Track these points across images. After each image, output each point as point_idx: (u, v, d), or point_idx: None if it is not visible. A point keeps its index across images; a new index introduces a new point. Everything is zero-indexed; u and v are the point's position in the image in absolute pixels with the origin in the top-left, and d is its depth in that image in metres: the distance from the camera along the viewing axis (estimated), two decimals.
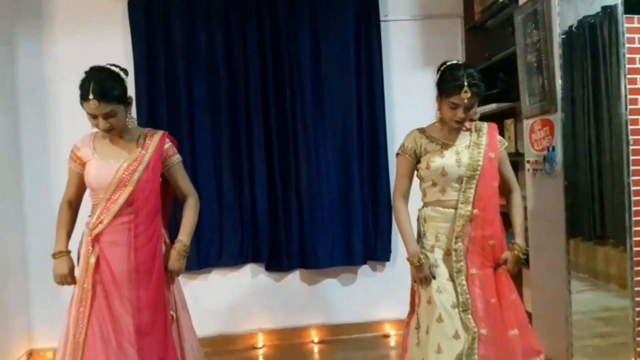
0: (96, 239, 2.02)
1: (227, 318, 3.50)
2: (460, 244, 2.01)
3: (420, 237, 2.14)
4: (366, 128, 3.56)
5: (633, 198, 2.60)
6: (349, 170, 3.53)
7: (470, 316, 1.95)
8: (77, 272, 2.15)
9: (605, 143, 2.69)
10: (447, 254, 2.04)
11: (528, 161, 2.90)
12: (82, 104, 1.97)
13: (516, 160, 3.10)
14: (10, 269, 3.27)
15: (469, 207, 2.02)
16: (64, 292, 3.43)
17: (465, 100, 1.97)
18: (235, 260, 3.54)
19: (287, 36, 3.51)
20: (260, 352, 3.45)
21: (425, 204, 2.16)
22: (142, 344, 2.00)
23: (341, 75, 3.57)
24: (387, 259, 3.58)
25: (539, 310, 2.90)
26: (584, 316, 2.70)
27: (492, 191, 2.08)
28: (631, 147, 2.59)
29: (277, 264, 3.56)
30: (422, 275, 2.03)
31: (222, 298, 3.53)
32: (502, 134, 3.38)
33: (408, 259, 2.08)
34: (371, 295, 3.60)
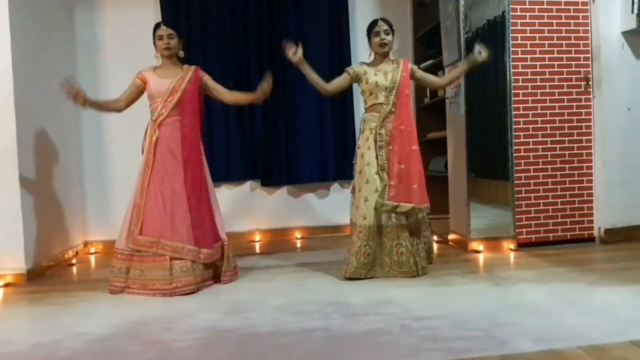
0: (159, 125, 3.12)
1: (233, 220, 4.63)
2: (383, 130, 3.17)
3: (361, 131, 3.29)
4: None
5: (513, 133, 3.80)
6: (323, 109, 4.73)
7: (385, 174, 3.14)
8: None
9: (493, 82, 3.87)
10: (375, 139, 3.20)
11: (447, 97, 4.09)
12: (154, 34, 3.16)
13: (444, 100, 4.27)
14: (71, 177, 4.34)
15: (390, 106, 3.18)
16: (112, 197, 4.64)
17: (381, 28, 3.17)
18: (238, 177, 4.76)
19: (278, 13, 4.69)
20: (257, 244, 4.65)
21: (365, 110, 3.31)
22: (188, 198, 3.07)
23: (318, 39, 4.74)
24: (352, 177, 4.77)
25: (453, 200, 4.11)
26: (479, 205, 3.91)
27: (406, 96, 3.23)
28: (512, 86, 3.78)
29: (269, 181, 4.78)
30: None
31: (229, 206, 4.71)
32: None
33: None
34: (340, 205, 4.75)
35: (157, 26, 3.21)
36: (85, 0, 4.56)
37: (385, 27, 3.21)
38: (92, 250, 4.51)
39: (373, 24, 3.24)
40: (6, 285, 3.31)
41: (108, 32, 4.57)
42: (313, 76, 3.24)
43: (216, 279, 3.20)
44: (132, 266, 3.04)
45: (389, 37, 3.22)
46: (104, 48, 4.59)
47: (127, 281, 3.04)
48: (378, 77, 3.21)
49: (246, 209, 4.78)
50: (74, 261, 4.10)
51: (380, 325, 2.30)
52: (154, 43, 3.21)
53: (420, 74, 3.37)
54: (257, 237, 4.74)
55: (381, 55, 3.27)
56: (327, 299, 2.75)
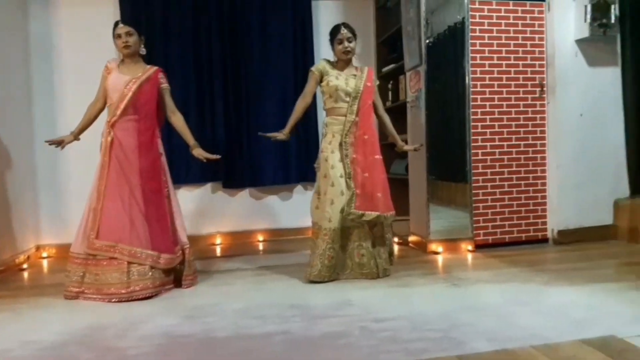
0: (112, 126, 3.04)
1: (194, 223, 4.58)
2: (348, 139, 3.17)
3: (324, 135, 3.28)
4: (299, 80, 4.72)
5: (471, 137, 3.89)
6: (286, 111, 4.65)
7: (351, 181, 3.14)
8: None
9: (453, 87, 3.95)
10: (340, 144, 3.19)
11: (408, 101, 4.15)
12: (114, 33, 3.08)
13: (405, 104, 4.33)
14: (22, 179, 4.17)
15: (354, 116, 3.19)
16: (67, 200, 4.50)
17: (344, 35, 3.17)
18: (199, 179, 4.69)
19: (242, 16, 4.65)
20: (219, 247, 4.59)
21: (326, 112, 3.29)
22: (146, 203, 3.00)
23: (282, 43, 4.73)
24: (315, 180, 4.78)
25: (413, 202, 4.17)
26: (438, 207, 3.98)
27: (369, 107, 3.26)
28: (471, 91, 3.87)
29: (231, 183, 4.73)
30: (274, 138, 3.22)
31: (190, 208, 4.63)
32: (397, 85, 4.65)
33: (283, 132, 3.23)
34: (303, 207, 4.69)
35: (115, 24, 3.14)
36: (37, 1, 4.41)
37: (349, 34, 3.21)
38: (45, 254, 4.35)
39: (336, 30, 3.24)
40: None
41: (64, 31, 4.42)
42: (294, 119, 3.30)
43: (177, 283, 3.14)
44: (87, 270, 2.95)
45: (352, 44, 3.23)
46: (60, 48, 4.43)
47: (82, 286, 2.95)
48: (339, 82, 3.22)
49: (207, 211, 4.71)
50: (25, 266, 3.95)
51: (340, 328, 2.31)
52: (114, 43, 3.14)
53: (376, 93, 3.36)
54: (219, 240, 4.68)
55: (344, 62, 3.28)
56: (287, 302, 2.74)
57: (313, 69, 3.32)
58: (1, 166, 3.79)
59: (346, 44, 3.20)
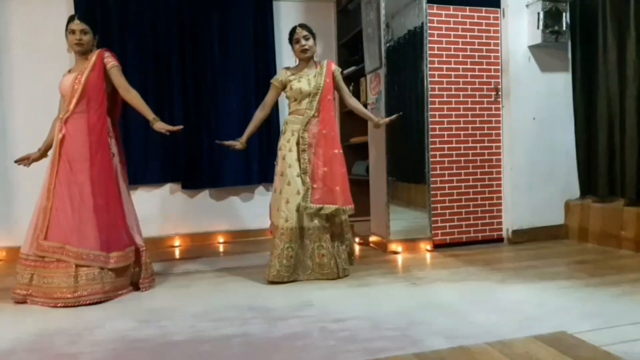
0: (64, 122, 2.93)
1: (151, 225, 4.45)
2: (306, 134, 3.18)
3: (282, 133, 3.28)
4: (261, 82, 4.69)
5: (430, 139, 3.96)
6: (247, 112, 4.64)
7: (307, 177, 3.15)
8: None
9: (412, 90, 4.01)
10: (297, 142, 3.20)
11: (368, 103, 4.18)
12: (67, 28, 2.97)
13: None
14: None
15: (313, 111, 3.21)
16: (16, 201, 4.33)
17: (300, 34, 3.21)
18: (157, 179, 4.59)
19: (201, 16, 4.59)
20: (177, 249, 4.51)
21: (289, 113, 3.31)
22: (96, 203, 2.90)
23: (243, 46, 4.70)
24: None
25: (374, 203, 4.21)
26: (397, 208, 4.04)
27: (329, 101, 3.27)
28: (429, 94, 3.94)
29: (191, 183, 4.65)
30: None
31: (147, 209, 4.51)
32: (358, 88, 4.69)
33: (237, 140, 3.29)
34: (264, 208, 4.66)
35: (70, 19, 3.01)
36: None
37: (305, 32, 3.23)
38: None
39: (292, 31, 3.28)
40: None
41: (14, 29, 4.25)
42: (251, 129, 3.35)
43: (134, 286, 3.06)
44: (36, 273, 2.84)
45: (310, 42, 3.25)
46: (9, 46, 4.25)
47: (30, 289, 2.84)
48: (302, 84, 3.23)
49: (165, 212, 4.62)
50: None
51: (299, 329, 2.30)
52: (66, 36, 3.02)
53: (340, 81, 3.39)
54: (177, 242, 4.59)
55: (304, 60, 3.30)
56: (247, 304, 2.72)
57: (273, 80, 3.34)
58: None
59: (303, 42, 3.23)
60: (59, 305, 2.75)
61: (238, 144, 3.30)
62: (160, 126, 3.06)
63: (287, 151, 3.21)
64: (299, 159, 3.18)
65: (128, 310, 2.69)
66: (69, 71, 3.09)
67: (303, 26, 3.26)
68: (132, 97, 3.06)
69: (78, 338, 2.28)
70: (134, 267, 3.06)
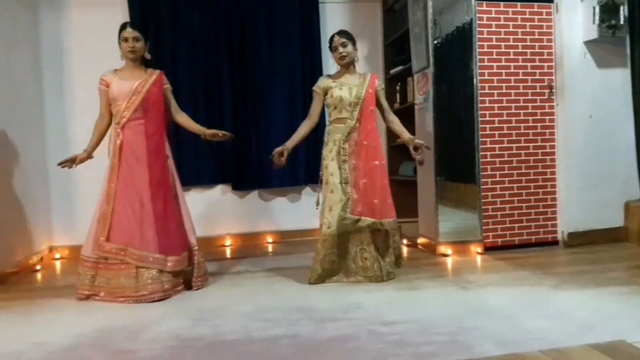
0: (122, 128, 3.06)
1: (203, 224, 4.58)
2: (347, 145, 3.18)
3: (325, 143, 3.29)
4: (308, 84, 4.69)
5: (480, 139, 3.88)
6: (294, 112, 4.72)
7: (347, 187, 3.14)
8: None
9: (461, 89, 3.95)
10: (338, 152, 3.20)
11: (416, 103, 4.15)
12: (120, 36, 3.09)
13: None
14: (35, 181, 4.24)
15: (354, 121, 3.20)
16: (78, 201, 4.54)
17: (337, 42, 3.21)
18: (209, 181, 4.72)
19: (249, 19, 4.68)
20: (228, 249, 4.62)
21: (330, 122, 3.31)
22: (155, 207, 3.02)
23: (289, 49, 4.75)
24: None
25: (422, 204, 4.17)
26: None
27: (371, 112, 3.25)
28: (479, 93, 3.86)
29: (240, 185, 4.76)
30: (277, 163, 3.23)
31: (200, 210, 4.65)
32: (405, 88, 4.66)
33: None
34: (311, 209, 4.70)
35: (123, 27, 3.14)
36: (51, 2, 4.46)
37: (342, 39, 3.23)
38: (58, 255, 4.41)
39: (331, 39, 3.28)
40: None
41: (74, 34, 4.47)
42: (296, 140, 3.35)
43: (187, 285, 3.16)
44: (98, 274, 2.99)
45: (348, 49, 3.24)
46: (70, 50, 4.49)
47: (93, 289, 2.99)
48: (342, 92, 3.23)
49: (217, 213, 4.74)
50: (38, 267, 4.00)
51: (347, 331, 2.32)
52: (119, 44, 3.15)
53: (381, 97, 3.37)
54: (228, 242, 4.71)
55: (344, 67, 3.29)
56: (296, 304, 2.76)
57: (315, 87, 3.34)
58: (15, 169, 3.85)
59: (340, 49, 3.23)
60: (124, 302, 2.89)
61: (283, 159, 3.25)
62: (212, 132, 3.21)
63: (330, 160, 3.23)
64: (339, 168, 3.19)
65: (183, 308, 2.79)
66: (115, 72, 3.15)
67: (341, 33, 3.26)
68: (183, 116, 3.32)
69: (136, 335, 2.38)
70: (187, 266, 3.16)
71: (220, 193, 4.79)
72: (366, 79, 3.29)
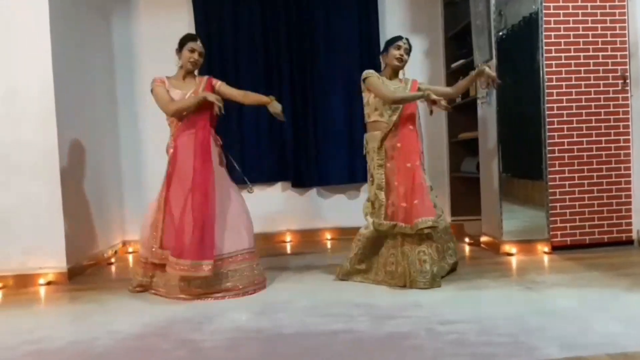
0: (175, 139, 3.13)
1: (265, 221, 4.72)
2: (383, 149, 3.12)
3: (366, 151, 3.23)
4: None
5: (547, 133, 3.72)
6: (352, 109, 4.73)
7: (383, 193, 3.12)
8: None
9: (526, 81, 3.79)
10: (376, 156, 3.14)
11: (478, 97, 4.03)
12: (185, 44, 3.15)
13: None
14: (109, 177, 4.51)
15: (392, 125, 3.11)
16: (148, 197, 4.75)
17: (403, 44, 3.16)
18: (269, 179, 4.82)
19: (307, 15, 4.73)
20: (288, 245, 4.71)
21: (367, 125, 3.23)
22: (206, 215, 2.97)
23: (347, 41, 4.76)
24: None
25: (485, 201, 4.06)
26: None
27: (410, 116, 3.17)
28: (546, 85, 3.70)
29: (300, 182, 4.83)
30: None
31: (261, 207, 4.75)
32: None
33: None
34: None
35: (192, 38, 3.20)
36: (122, 8, 4.71)
37: (407, 45, 3.20)
38: (130, 249, 4.65)
39: (397, 38, 3.22)
40: (48, 283, 3.46)
41: (143, 39, 4.71)
42: (411, 96, 3.15)
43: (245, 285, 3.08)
44: (156, 274, 3.11)
45: (407, 57, 3.22)
46: (141, 55, 4.73)
47: (152, 287, 3.13)
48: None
49: (278, 210, 4.84)
50: (113, 260, 4.25)
51: (406, 329, 2.31)
52: (180, 50, 3.19)
53: (428, 86, 3.32)
54: (288, 238, 4.79)
55: (394, 70, 3.24)
56: (354, 301, 2.77)
57: (370, 72, 3.19)
58: (90, 166, 4.09)
59: (402, 52, 3.18)
60: (182, 300, 2.97)
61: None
62: (275, 106, 3.19)
63: (370, 161, 3.23)
64: (379, 172, 3.17)
65: (245, 302, 2.87)
66: (169, 80, 3.20)
67: (408, 41, 3.24)
68: (249, 98, 3.26)
69: (201, 326, 2.48)
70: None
71: (280, 190, 4.89)
72: (408, 84, 3.26)
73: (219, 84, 3.28)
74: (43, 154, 3.51)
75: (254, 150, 4.74)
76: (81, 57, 4.04)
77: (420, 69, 4.77)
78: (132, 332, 2.42)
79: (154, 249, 3.09)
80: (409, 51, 3.21)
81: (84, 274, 3.74)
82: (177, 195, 3.09)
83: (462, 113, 4.71)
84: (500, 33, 3.73)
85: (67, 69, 3.73)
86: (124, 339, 2.34)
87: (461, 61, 4.53)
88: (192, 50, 3.17)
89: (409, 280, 3.00)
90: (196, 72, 3.29)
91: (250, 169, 4.69)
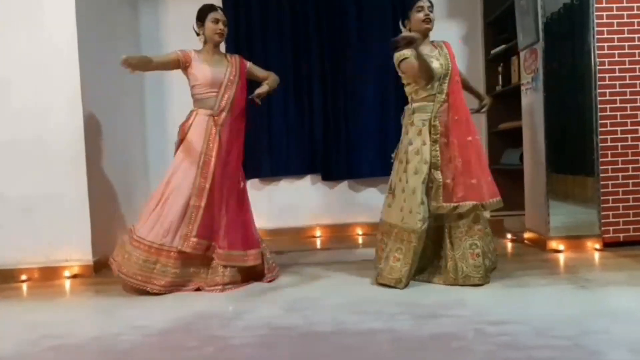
0: (215, 123, 2.98)
1: (294, 215, 4.58)
2: (437, 122, 2.85)
3: (410, 124, 2.93)
4: (398, 76, 4.49)
5: (599, 121, 3.45)
6: (384, 104, 4.53)
7: (438, 171, 2.81)
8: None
9: (575, 66, 3.53)
10: (429, 132, 2.83)
11: (522, 84, 3.78)
12: (208, 15, 3.00)
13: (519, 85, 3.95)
14: (136, 170, 4.40)
15: (443, 95, 2.87)
16: None
17: (425, 4, 2.88)
18: (298, 171, 4.65)
19: (338, 2, 4.55)
20: (318, 240, 4.53)
21: (413, 100, 2.96)
22: (238, 203, 2.96)
23: (380, 30, 4.53)
24: None
25: (529, 195, 3.81)
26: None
27: (457, 83, 2.92)
28: (597, 69, 3.44)
29: (330, 175, 4.65)
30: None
31: (290, 200, 4.63)
32: (509, 68, 4.29)
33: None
34: None
35: (212, 8, 3.04)
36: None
37: (430, 3, 2.91)
38: None
39: (416, 0, 2.91)
40: (73, 276, 3.38)
41: (171, 26, 4.59)
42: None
43: (258, 277, 3.04)
44: (175, 265, 2.92)
45: (432, 15, 2.91)
46: (168, 42, 4.59)
47: (176, 279, 2.92)
48: (434, 65, 2.86)
49: (307, 203, 4.67)
50: None
51: (451, 329, 2.11)
52: (202, 25, 3.03)
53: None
54: (318, 233, 4.61)
55: (423, 33, 2.91)
56: (392, 298, 2.58)
57: (403, 54, 2.90)
58: (116, 158, 3.98)
59: (427, 11, 2.88)
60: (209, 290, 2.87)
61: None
62: (264, 88, 3.12)
63: (422, 145, 2.86)
64: (430, 149, 2.84)
65: (273, 298, 2.72)
66: (198, 55, 3.05)
67: None
68: (270, 79, 3.20)
69: (230, 322, 2.34)
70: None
71: (310, 183, 4.71)
72: (443, 47, 2.97)
73: (249, 64, 3.19)
74: (69, 146, 3.42)
75: (283, 141, 4.58)
76: (107, 45, 3.93)
77: (458, 56, 4.48)
78: (157, 328, 2.30)
79: (190, 236, 2.86)
80: (432, 8, 2.92)
81: (109, 267, 3.64)
82: (221, 186, 2.95)
83: (504, 102, 4.44)
84: (547, 15, 3.47)
85: (93, 59, 3.62)
86: (149, 335, 2.22)
87: (502, 47, 4.27)
88: (216, 21, 3.01)
89: (461, 277, 2.75)
90: (222, 48, 3.16)
91: (279, 161, 4.57)
